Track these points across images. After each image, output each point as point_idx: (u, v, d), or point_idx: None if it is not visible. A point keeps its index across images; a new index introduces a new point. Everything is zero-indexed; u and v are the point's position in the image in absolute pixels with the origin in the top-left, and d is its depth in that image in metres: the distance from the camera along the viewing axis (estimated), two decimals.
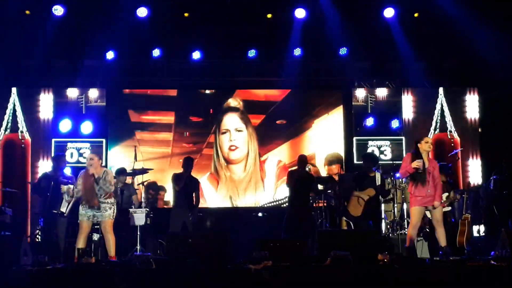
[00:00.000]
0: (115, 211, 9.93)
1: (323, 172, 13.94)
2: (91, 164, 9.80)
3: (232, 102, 14.37)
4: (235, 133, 14.30)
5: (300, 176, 11.42)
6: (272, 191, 14.12)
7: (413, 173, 9.43)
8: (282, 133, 14.38)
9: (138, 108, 14.26)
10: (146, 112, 14.29)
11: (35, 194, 12.32)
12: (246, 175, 14.20)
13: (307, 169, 11.63)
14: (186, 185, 11.22)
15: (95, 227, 10.58)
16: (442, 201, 10.89)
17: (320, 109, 14.42)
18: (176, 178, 11.30)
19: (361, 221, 10.92)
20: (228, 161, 14.24)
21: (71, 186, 10.47)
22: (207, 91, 14.48)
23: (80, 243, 9.75)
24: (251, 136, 14.33)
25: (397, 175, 11.85)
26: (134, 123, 14.20)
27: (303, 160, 11.58)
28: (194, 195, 11.39)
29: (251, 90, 14.57)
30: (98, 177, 9.76)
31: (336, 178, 12.55)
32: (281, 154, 14.28)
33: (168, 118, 14.33)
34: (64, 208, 10.63)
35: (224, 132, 14.31)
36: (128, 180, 12.20)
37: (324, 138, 14.31)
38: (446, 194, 11.08)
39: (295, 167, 11.90)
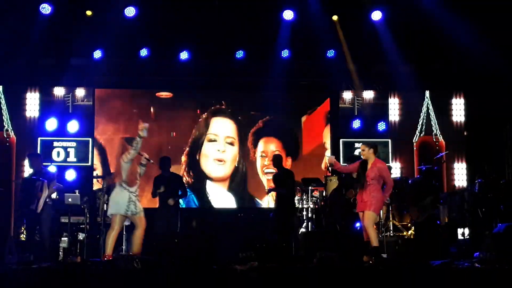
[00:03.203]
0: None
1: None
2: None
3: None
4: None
5: (280, 176, 11.45)
6: None
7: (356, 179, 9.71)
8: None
9: None
10: None
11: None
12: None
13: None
14: (168, 185, 11.20)
15: (81, 226, 10.51)
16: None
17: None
18: (157, 181, 11.28)
19: (345, 222, 11.00)
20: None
21: (39, 183, 10.35)
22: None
23: (109, 247, 9.35)
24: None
25: None
26: None
27: (278, 159, 11.65)
28: (180, 192, 11.40)
29: None
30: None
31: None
32: None
33: None
34: (34, 206, 10.46)
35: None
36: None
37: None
38: (431, 197, 11.13)
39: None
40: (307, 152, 14.36)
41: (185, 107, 14.34)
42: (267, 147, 14.25)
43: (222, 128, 14.22)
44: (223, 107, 14.25)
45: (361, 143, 9.94)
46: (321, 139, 14.46)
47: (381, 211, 12.08)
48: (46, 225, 10.64)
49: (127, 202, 9.35)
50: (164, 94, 14.33)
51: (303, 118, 14.47)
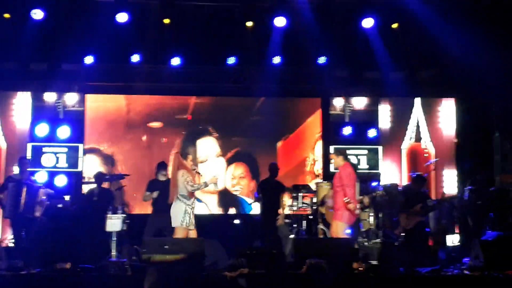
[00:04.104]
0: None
1: None
2: None
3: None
4: None
5: (270, 184, 11.47)
6: None
7: None
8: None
9: None
10: None
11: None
12: None
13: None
14: (163, 191, 11.17)
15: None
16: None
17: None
18: (151, 184, 11.24)
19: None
20: None
21: (43, 190, 10.38)
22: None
23: None
24: None
25: (373, 184, 11.96)
26: None
27: (274, 168, 11.64)
28: None
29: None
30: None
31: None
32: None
33: None
34: (39, 212, 10.54)
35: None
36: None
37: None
38: (420, 204, 11.15)
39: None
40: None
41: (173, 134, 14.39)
42: (235, 170, 14.42)
43: (210, 149, 14.35)
44: (210, 130, 14.39)
45: (329, 153, 9.97)
46: (296, 161, 14.51)
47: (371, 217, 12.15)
48: (36, 231, 10.68)
49: (183, 214, 9.54)
50: (155, 125, 14.33)
51: (279, 144, 14.50)
